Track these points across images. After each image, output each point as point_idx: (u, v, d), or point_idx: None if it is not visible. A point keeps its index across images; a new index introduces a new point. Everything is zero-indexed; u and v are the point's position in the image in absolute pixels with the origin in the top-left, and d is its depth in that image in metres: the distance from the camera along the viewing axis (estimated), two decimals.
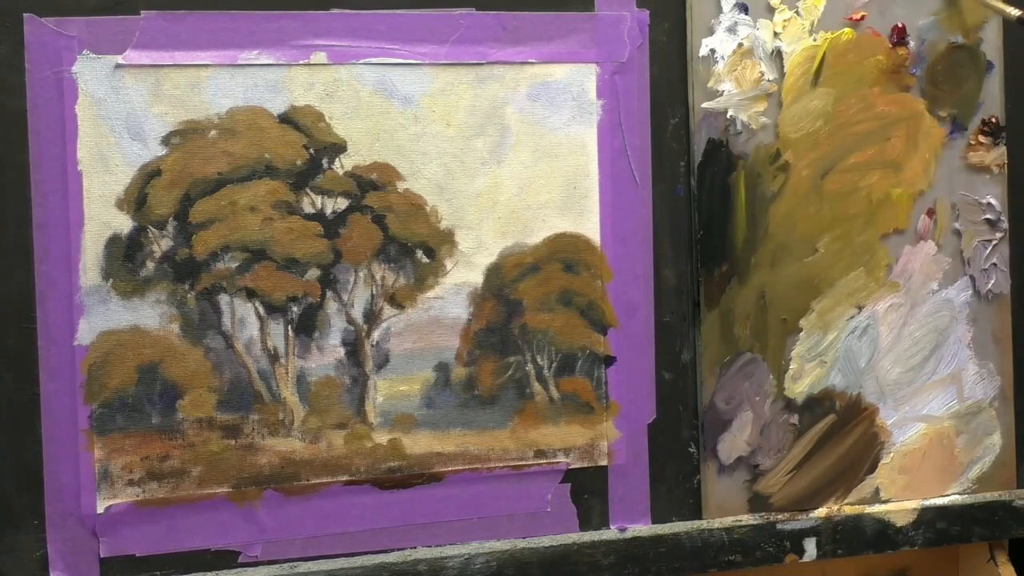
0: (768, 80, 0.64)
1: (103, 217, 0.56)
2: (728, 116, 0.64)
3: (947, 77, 0.67)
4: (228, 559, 0.59)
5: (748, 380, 0.65)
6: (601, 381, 0.63)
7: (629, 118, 0.63)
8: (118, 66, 0.56)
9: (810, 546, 0.66)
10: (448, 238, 0.61)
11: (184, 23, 0.57)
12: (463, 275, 0.61)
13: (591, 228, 0.63)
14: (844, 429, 0.67)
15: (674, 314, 0.65)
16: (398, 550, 0.61)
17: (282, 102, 0.58)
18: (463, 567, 0.61)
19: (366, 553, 0.61)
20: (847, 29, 0.65)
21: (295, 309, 0.59)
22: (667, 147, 0.64)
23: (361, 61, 0.59)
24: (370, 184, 0.59)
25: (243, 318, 0.58)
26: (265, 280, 0.58)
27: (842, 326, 0.66)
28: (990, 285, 0.68)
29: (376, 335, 0.60)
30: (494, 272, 0.61)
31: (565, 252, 0.62)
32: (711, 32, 0.63)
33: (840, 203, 0.66)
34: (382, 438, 0.60)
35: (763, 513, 0.66)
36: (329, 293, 0.59)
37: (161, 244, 0.57)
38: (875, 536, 0.67)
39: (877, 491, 0.68)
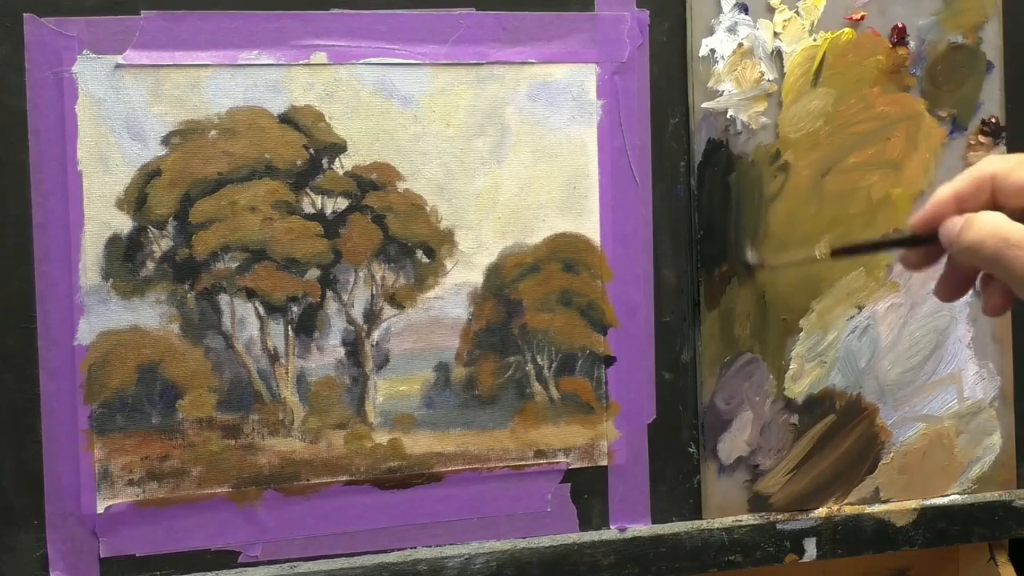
0: (768, 80, 0.64)
1: (103, 217, 0.56)
2: (728, 116, 0.64)
3: (947, 77, 0.67)
4: (228, 559, 0.59)
5: (748, 380, 0.65)
6: (601, 381, 0.63)
7: (629, 118, 0.63)
8: (118, 66, 0.56)
9: (810, 546, 0.66)
10: (448, 238, 0.61)
11: (184, 23, 0.57)
12: (463, 275, 0.61)
13: (591, 228, 0.63)
14: (844, 429, 0.67)
15: (674, 314, 0.65)
16: (398, 550, 0.61)
17: (282, 102, 0.58)
18: (463, 567, 0.61)
19: (366, 553, 0.61)
20: (847, 29, 0.65)
21: (295, 309, 0.59)
22: (667, 147, 0.64)
23: (361, 61, 0.59)
24: (370, 184, 0.59)
25: (243, 318, 0.58)
26: (265, 280, 0.58)
27: (842, 326, 0.66)
28: None
29: (376, 335, 0.60)
30: (494, 272, 0.62)
31: (565, 252, 0.62)
32: (711, 32, 0.63)
33: (840, 203, 0.66)
34: (382, 438, 0.60)
35: (763, 513, 0.66)
36: (329, 293, 0.59)
37: (161, 244, 0.57)
38: (875, 536, 0.67)
39: (877, 491, 0.68)
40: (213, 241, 0.58)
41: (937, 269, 0.49)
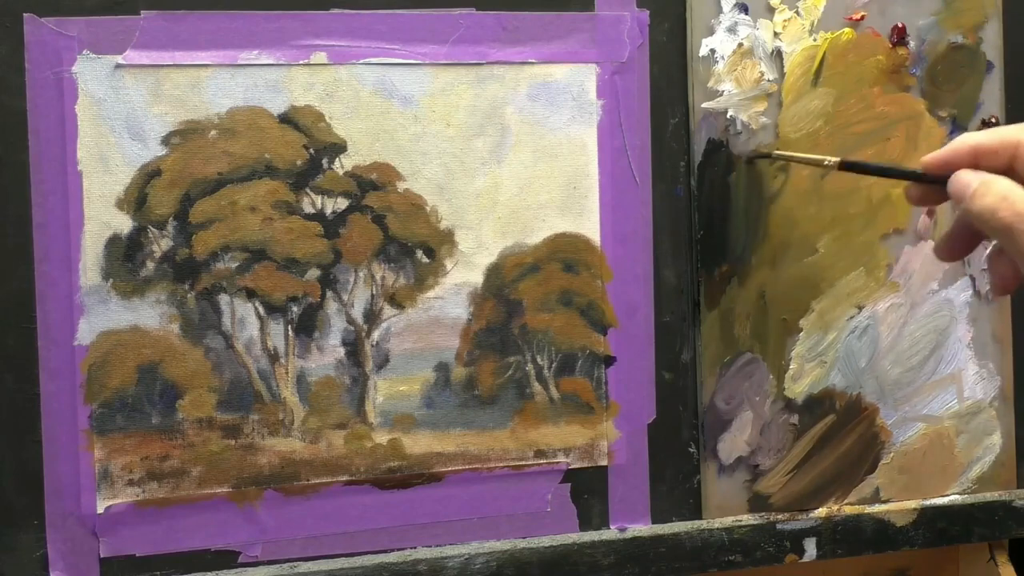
0: (768, 80, 0.64)
1: (103, 217, 0.56)
2: (728, 116, 0.64)
3: (947, 77, 0.67)
4: (228, 559, 0.59)
5: (748, 380, 0.65)
6: (601, 381, 0.63)
7: (629, 118, 0.63)
8: (118, 66, 0.56)
9: (810, 546, 0.66)
10: (448, 238, 0.61)
11: (184, 23, 0.57)
12: (463, 275, 0.61)
13: (591, 228, 0.63)
14: (844, 429, 0.67)
15: (674, 314, 0.65)
16: (398, 550, 0.61)
17: (282, 102, 0.58)
18: (463, 567, 0.61)
19: (366, 553, 0.61)
20: (847, 29, 0.65)
21: (295, 309, 0.59)
22: (667, 147, 0.64)
23: (361, 61, 0.59)
24: (370, 184, 0.59)
25: (243, 318, 0.58)
26: (265, 280, 0.58)
27: (842, 326, 0.66)
28: (990, 285, 0.68)
29: (376, 335, 0.60)
30: (494, 272, 0.62)
31: (565, 252, 0.62)
32: (711, 32, 0.63)
33: (840, 203, 0.66)
34: (382, 438, 0.60)
35: (763, 513, 0.66)
36: (329, 293, 0.59)
37: (161, 244, 0.57)
38: (875, 536, 0.67)
39: (877, 491, 0.68)
40: (213, 241, 0.58)
41: (935, 265, 0.48)
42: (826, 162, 0.58)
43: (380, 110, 0.59)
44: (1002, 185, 0.42)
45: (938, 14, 0.67)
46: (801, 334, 0.66)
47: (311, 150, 0.59)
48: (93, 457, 0.57)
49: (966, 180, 0.43)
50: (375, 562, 0.60)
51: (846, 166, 0.57)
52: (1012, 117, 0.68)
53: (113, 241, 0.56)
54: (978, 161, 0.44)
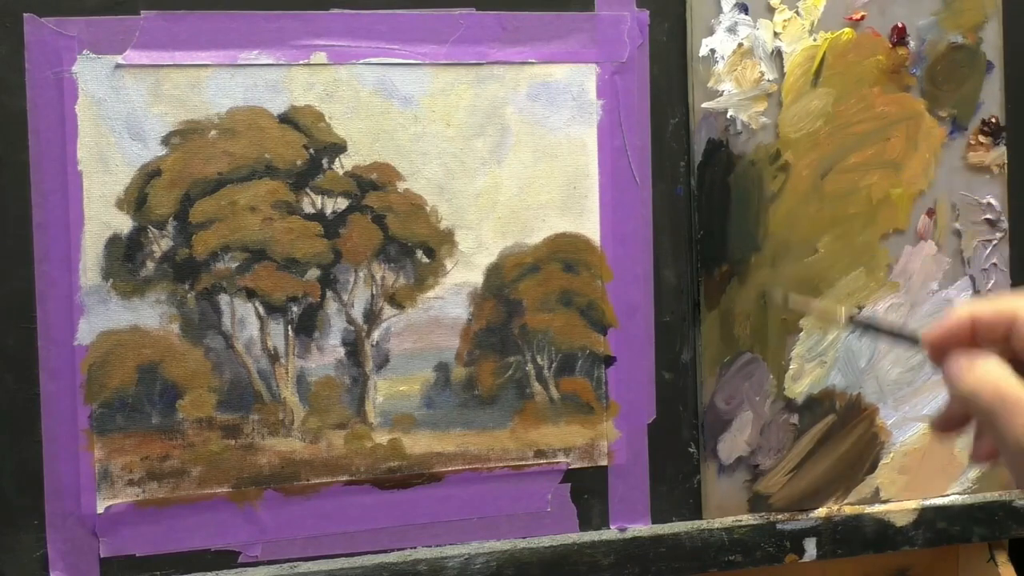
0: (768, 80, 0.64)
1: (103, 217, 0.56)
2: (728, 116, 0.64)
3: (947, 77, 0.67)
4: (228, 559, 0.59)
5: (748, 380, 0.65)
6: (601, 381, 0.63)
7: (629, 118, 0.63)
8: (118, 66, 0.56)
9: (810, 546, 0.66)
10: (448, 238, 0.61)
11: (184, 23, 0.57)
12: (463, 275, 0.61)
13: (591, 228, 0.63)
14: (844, 429, 0.67)
15: (674, 314, 0.65)
16: (398, 550, 0.61)
17: (282, 102, 0.58)
18: (463, 567, 0.61)
19: (366, 553, 0.61)
20: (847, 29, 0.65)
21: (295, 309, 0.59)
22: (667, 147, 0.64)
23: (361, 61, 0.59)
24: (370, 184, 0.59)
25: (243, 318, 0.58)
26: (265, 280, 0.58)
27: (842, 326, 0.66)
28: (990, 285, 0.68)
29: (376, 335, 0.60)
30: (494, 272, 0.62)
31: (565, 252, 0.62)
32: (711, 32, 0.63)
33: (840, 203, 0.66)
34: (382, 438, 0.60)
35: (763, 513, 0.66)
36: (329, 293, 0.59)
37: (161, 244, 0.57)
38: (875, 536, 0.67)
39: (877, 491, 0.68)
40: (213, 241, 0.58)
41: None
42: (839, 318, 0.56)
43: (380, 110, 0.59)
44: (988, 367, 0.41)
45: (938, 14, 0.67)
46: (801, 334, 0.66)
47: (311, 150, 0.59)
48: (93, 457, 0.57)
49: (958, 362, 0.43)
50: (375, 562, 0.60)
51: (856, 324, 0.54)
52: (1012, 117, 0.68)
53: (113, 241, 0.56)
54: (976, 333, 0.43)
